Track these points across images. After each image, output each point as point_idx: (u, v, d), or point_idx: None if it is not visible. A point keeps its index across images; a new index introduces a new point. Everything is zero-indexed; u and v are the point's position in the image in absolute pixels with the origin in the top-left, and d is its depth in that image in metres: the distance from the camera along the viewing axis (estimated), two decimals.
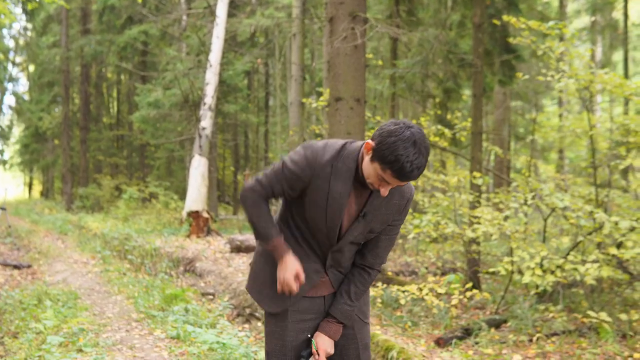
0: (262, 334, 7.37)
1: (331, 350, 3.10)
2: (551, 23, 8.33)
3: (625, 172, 11.95)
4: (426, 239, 9.68)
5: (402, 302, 7.60)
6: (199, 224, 14.73)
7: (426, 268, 10.43)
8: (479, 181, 8.66)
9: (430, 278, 8.11)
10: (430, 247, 11.92)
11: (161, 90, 20.74)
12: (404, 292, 7.73)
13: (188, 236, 14.50)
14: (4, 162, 52.11)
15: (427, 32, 12.97)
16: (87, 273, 11.48)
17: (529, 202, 7.56)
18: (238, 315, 8.58)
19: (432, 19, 14.70)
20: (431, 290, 7.67)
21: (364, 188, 2.93)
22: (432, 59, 12.80)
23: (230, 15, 19.40)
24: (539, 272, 6.69)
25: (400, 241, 12.32)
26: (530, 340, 6.57)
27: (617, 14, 25.31)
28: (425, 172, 12.46)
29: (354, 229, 2.97)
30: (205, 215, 14.97)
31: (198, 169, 15.85)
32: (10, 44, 43.41)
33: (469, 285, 8.12)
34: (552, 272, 6.83)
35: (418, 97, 14.60)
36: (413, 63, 12.54)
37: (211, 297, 9.54)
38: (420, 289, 7.56)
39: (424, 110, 16.30)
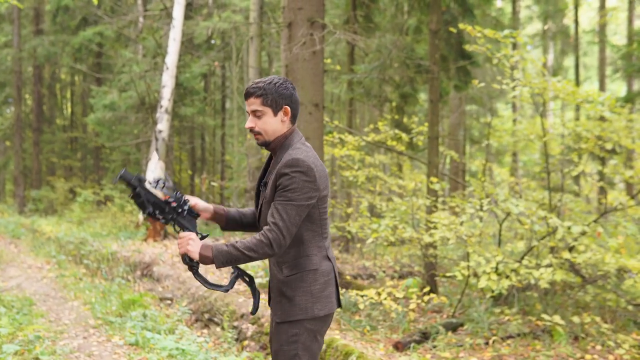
0: (221, 339, 7.38)
1: (185, 249, 3.18)
2: (506, 32, 8.49)
3: (577, 177, 12.26)
4: (384, 242, 9.79)
5: (361, 306, 7.68)
6: (155, 228, 14.63)
7: (384, 272, 10.54)
8: (436, 186, 8.79)
9: (389, 282, 8.21)
10: (387, 251, 12.05)
11: (117, 92, 20.53)
12: (362, 296, 7.82)
13: (145, 240, 14.39)
14: None
15: (385, 37, 13.09)
16: (42, 278, 11.32)
17: (485, 207, 7.71)
18: (197, 320, 8.56)
19: (389, 23, 14.82)
20: (389, 294, 7.76)
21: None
22: (389, 64, 12.93)
23: (187, 17, 19.31)
24: (494, 276, 6.84)
25: (358, 245, 12.43)
26: (487, 343, 6.71)
27: (568, 21, 25.89)
28: (382, 175, 12.59)
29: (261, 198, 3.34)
30: None
31: (154, 172, 15.74)
32: None
33: (427, 289, 8.24)
34: (507, 277, 6.98)
35: (375, 101, 14.71)
36: (371, 68, 12.64)
37: (169, 301, 9.50)
38: (379, 294, 7.65)
39: (380, 114, 16.43)
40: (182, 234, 3.22)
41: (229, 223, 3.48)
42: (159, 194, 3.21)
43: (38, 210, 26.24)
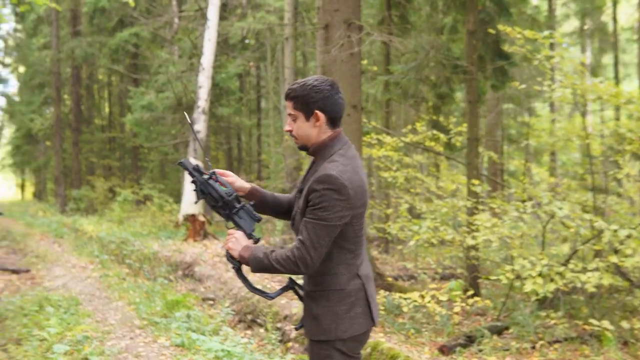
0: (265, 341, 7.44)
1: (227, 245, 3.22)
2: (546, 32, 8.44)
3: (619, 178, 12.14)
4: (424, 243, 9.79)
5: (405, 309, 7.70)
6: (195, 228, 14.77)
7: (425, 273, 10.54)
8: (478, 189, 8.77)
9: (432, 285, 8.22)
10: (428, 252, 12.05)
11: (154, 93, 20.74)
12: (405, 299, 7.82)
13: (185, 240, 14.54)
14: None
15: (421, 37, 13.05)
16: (87, 278, 11.46)
17: (529, 211, 7.68)
18: (240, 321, 8.64)
19: (425, 23, 14.77)
20: (433, 297, 7.75)
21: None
22: (426, 64, 12.87)
23: (221, 18, 19.43)
24: (539, 280, 6.81)
25: (399, 247, 12.45)
26: (533, 348, 6.68)
27: (606, 18, 25.55)
28: (421, 176, 12.58)
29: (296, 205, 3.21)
30: (202, 218, 15.02)
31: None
32: None
33: (471, 292, 8.22)
34: (552, 280, 6.94)
35: (412, 101, 14.66)
36: (408, 69, 12.60)
37: (212, 302, 9.59)
38: (423, 296, 7.66)
39: (417, 114, 16.39)
40: (230, 230, 3.24)
41: (261, 205, 3.42)
42: (217, 187, 3.24)
43: (79, 210, 26.61)
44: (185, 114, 3.55)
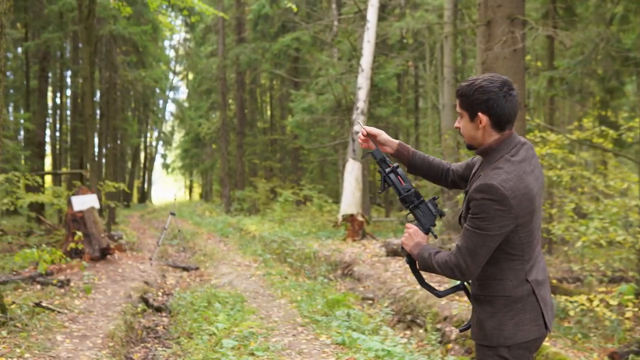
0: (424, 341, 7.37)
1: (401, 240, 3.21)
2: None
3: None
4: (592, 245, 9.30)
5: (571, 313, 7.36)
6: (354, 228, 14.94)
7: (592, 275, 10.03)
8: None
9: (600, 288, 7.80)
10: (595, 253, 11.46)
11: (314, 95, 21.19)
12: (572, 302, 7.48)
13: (344, 240, 14.74)
14: (167, 166, 55.76)
15: (588, 30, 12.47)
16: (251, 276, 11.88)
17: None
18: (399, 321, 8.62)
19: (593, 14, 14.09)
20: (602, 300, 7.35)
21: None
22: (594, 57, 12.28)
23: (380, 19, 19.51)
24: None
25: (565, 248, 11.95)
26: None
27: None
28: (586, 173, 11.99)
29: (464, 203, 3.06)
30: (360, 218, 15.16)
31: (352, 173, 16.08)
32: (171, 54, 46.22)
33: None
34: None
35: (578, 97, 14.03)
36: (575, 63, 12.07)
37: (371, 301, 9.64)
38: (590, 300, 7.29)
39: (582, 109, 15.68)
40: (407, 225, 3.22)
41: (410, 166, 3.38)
42: (396, 182, 3.25)
43: (242, 210, 27.70)
44: (359, 122, 3.61)
